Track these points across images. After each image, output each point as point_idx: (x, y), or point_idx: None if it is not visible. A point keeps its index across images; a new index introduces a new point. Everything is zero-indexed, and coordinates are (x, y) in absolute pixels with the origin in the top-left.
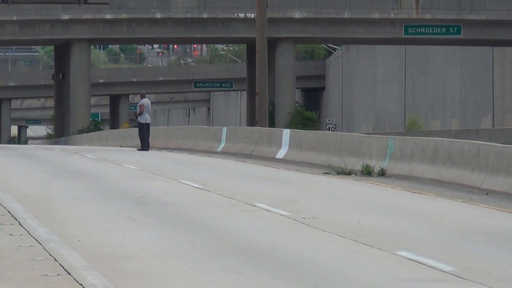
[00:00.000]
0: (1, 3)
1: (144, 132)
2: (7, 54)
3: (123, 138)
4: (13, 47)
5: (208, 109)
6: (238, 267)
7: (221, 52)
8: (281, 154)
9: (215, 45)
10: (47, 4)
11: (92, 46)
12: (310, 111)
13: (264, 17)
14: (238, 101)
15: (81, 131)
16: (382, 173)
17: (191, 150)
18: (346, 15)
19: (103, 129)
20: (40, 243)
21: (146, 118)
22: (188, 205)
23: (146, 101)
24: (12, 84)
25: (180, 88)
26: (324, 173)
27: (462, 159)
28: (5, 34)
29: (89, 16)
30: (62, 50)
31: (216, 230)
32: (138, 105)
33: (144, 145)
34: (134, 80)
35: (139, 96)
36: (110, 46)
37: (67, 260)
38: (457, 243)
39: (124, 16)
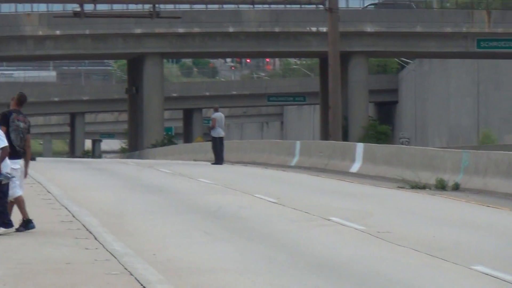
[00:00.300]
0: (74, 17)
1: (217, 146)
2: (81, 68)
3: (196, 152)
4: (86, 61)
5: (282, 123)
6: (314, 281)
7: (294, 66)
8: (355, 168)
9: (288, 59)
10: (120, 18)
11: (165, 60)
12: (383, 125)
13: (336, 31)
14: (311, 115)
15: (154, 145)
16: (456, 187)
17: (264, 164)
18: (418, 29)
19: (176, 143)
20: (115, 257)
21: (218, 132)
22: (263, 219)
23: (219, 115)
24: (85, 98)
25: (253, 102)
26: (398, 187)
27: None
28: (78, 48)
29: (162, 30)
30: (135, 64)
31: (291, 244)
32: (211, 119)
33: (218, 159)
34: (207, 94)
35: (212, 110)
36: (182, 60)
37: (142, 274)
38: None
39: (196, 30)
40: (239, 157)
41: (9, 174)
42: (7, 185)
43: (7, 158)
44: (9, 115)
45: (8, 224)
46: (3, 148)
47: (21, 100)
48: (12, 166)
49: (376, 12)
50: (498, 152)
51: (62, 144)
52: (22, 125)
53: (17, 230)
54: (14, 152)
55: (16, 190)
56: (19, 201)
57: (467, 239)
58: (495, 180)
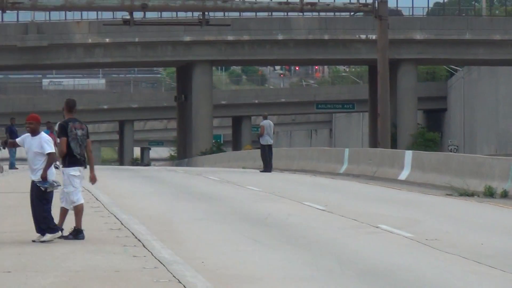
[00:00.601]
0: (124, 25)
1: (266, 154)
2: (130, 76)
3: (245, 160)
4: (135, 69)
5: (330, 130)
6: None
7: (343, 74)
8: (403, 175)
9: (337, 66)
10: (169, 26)
11: (214, 68)
12: (432, 132)
13: (385, 38)
14: (360, 122)
15: (203, 153)
16: (504, 195)
17: (313, 172)
18: (467, 36)
19: (225, 151)
20: (164, 265)
21: (267, 140)
22: (311, 227)
23: (267, 122)
24: (134, 106)
25: (302, 109)
26: (447, 194)
27: None
28: (127, 55)
29: (211, 38)
30: (184, 72)
31: (339, 252)
32: (260, 126)
33: (267, 167)
34: (256, 101)
35: (261, 117)
36: (231, 67)
37: (191, 282)
38: None
39: (245, 37)
40: (287, 165)
41: (55, 182)
42: (52, 193)
43: (53, 166)
44: (66, 125)
45: (54, 229)
46: (49, 154)
47: (70, 106)
48: (72, 173)
49: (425, 20)
50: None
51: (111, 152)
52: (80, 132)
53: (66, 237)
54: (75, 160)
55: (79, 197)
56: (78, 210)
57: None
58: None
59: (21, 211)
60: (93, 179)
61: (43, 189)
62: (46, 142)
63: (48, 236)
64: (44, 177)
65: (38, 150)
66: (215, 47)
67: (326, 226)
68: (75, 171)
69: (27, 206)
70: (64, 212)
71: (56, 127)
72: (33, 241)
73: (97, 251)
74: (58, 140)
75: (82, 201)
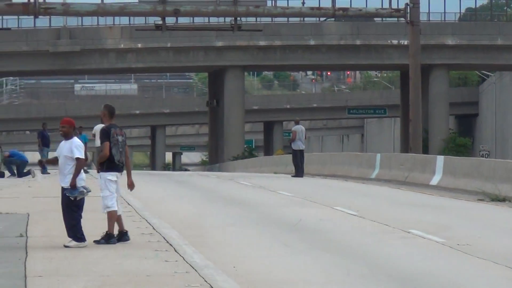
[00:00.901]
0: (156, 30)
1: (297, 159)
2: (161, 81)
3: (277, 165)
4: (167, 74)
5: (362, 135)
6: None
7: (375, 79)
8: (435, 180)
9: (369, 71)
10: (201, 31)
11: (245, 73)
12: (463, 138)
13: (417, 43)
14: (391, 127)
15: (235, 158)
16: None
17: (344, 177)
18: (499, 41)
19: (257, 156)
20: (195, 269)
21: (299, 145)
22: (343, 232)
23: (299, 127)
24: (166, 111)
25: (334, 114)
26: (478, 199)
27: None
28: (159, 61)
29: (243, 43)
30: (216, 77)
31: (370, 257)
32: (291, 131)
33: (298, 172)
34: (288, 106)
35: (293, 122)
36: (263, 72)
37: (222, 286)
38: None
39: (277, 43)
40: (319, 170)
41: (84, 188)
42: (82, 199)
43: (82, 172)
44: (109, 130)
45: (80, 238)
46: (78, 160)
47: (112, 112)
48: (109, 177)
49: (457, 25)
50: None
51: (142, 157)
52: (120, 138)
53: (98, 242)
54: (113, 165)
55: (113, 203)
56: (112, 215)
57: None
58: None
59: (53, 215)
60: (131, 186)
61: (72, 198)
62: (76, 147)
63: (72, 243)
64: (73, 185)
65: (68, 154)
66: (247, 52)
67: (357, 231)
68: (112, 176)
69: (58, 211)
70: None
71: (93, 132)
72: (65, 245)
73: (129, 255)
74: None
75: (115, 207)
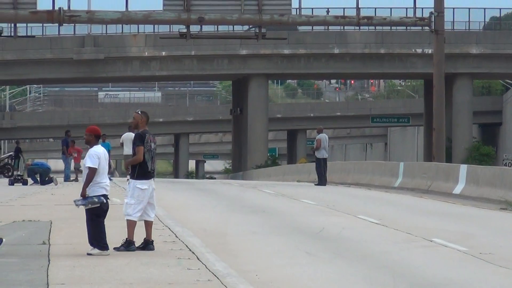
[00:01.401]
0: (180, 38)
1: (321, 167)
2: (185, 89)
3: (300, 173)
4: (191, 82)
5: (385, 144)
6: None
7: (398, 88)
8: (458, 189)
9: (392, 80)
10: (225, 39)
11: (269, 81)
12: (486, 146)
13: (441, 52)
14: (415, 136)
15: (258, 166)
16: None
17: (368, 185)
18: None
19: (280, 164)
20: (218, 278)
21: (322, 154)
22: (365, 240)
23: (323, 136)
24: (190, 119)
25: (357, 123)
26: (501, 208)
27: None
28: (183, 69)
29: (267, 51)
30: (240, 85)
31: (393, 265)
32: (315, 140)
33: (321, 180)
34: (312, 115)
35: (315, 131)
36: (287, 81)
37: None
38: None
39: (301, 51)
40: (342, 178)
41: (97, 197)
42: (101, 207)
43: (103, 180)
44: (144, 136)
45: (103, 247)
46: (89, 169)
47: (148, 118)
48: (138, 185)
49: (481, 34)
50: None
51: (165, 165)
52: (153, 145)
53: (117, 249)
54: (144, 172)
55: (135, 212)
56: (131, 223)
57: None
58: None
59: (76, 223)
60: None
61: (76, 206)
62: (89, 156)
63: (95, 251)
64: (82, 194)
65: (84, 163)
66: (271, 60)
67: (380, 240)
68: (142, 184)
69: (81, 218)
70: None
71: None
72: (88, 253)
73: (151, 263)
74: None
75: (136, 218)
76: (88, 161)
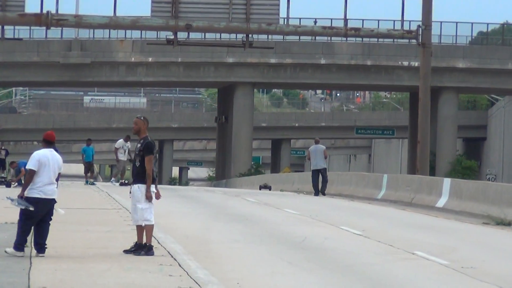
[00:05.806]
0: (167, 45)
1: (313, 178)
2: (171, 95)
3: (283, 182)
4: (177, 88)
5: (369, 155)
6: None
7: (384, 100)
8: (441, 203)
9: (378, 92)
10: (213, 47)
11: (255, 90)
12: (469, 160)
13: (428, 66)
14: (399, 148)
15: (242, 174)
16: None
17: (351, 197)
18: (510, 66)
19: (263, 173)
20: (199, 285)
21: (314, 165)
22: (348, 251)
23: (313, 147)
24: (175, 125)
25: (342, 134)
26: (483, 223)
27: None
28: (170, 75)
29: (254, 60)
30: (226, 93)
31: (375, 277)
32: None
33: (315, 191)
34: (296, 125)
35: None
36: (273, 90)
37: None
38: None
39: (288, 61)
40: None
41: (27, 201)
42: (30, 209)
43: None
44: (153, 147)
45: (18, 248)
46: (29, 170)
47: (148, 123)
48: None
49: (468, 48)
50: None
51: None
52: (154, 151)
53: (138, 253)
54: (153, 178)
55: (151, 216)
56: (149, 228)
57: None
58: None
59: (57, 226)
60: (159, 196)
61: (10, 202)
62: (30, 158)
63: (9, 250)
64: (21, 195)
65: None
66: (257, 69)
67: (362, 251)
68: (152, 188)
69: (62, 222)
70: (141, 229)
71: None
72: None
73: (133, 269)
74: None
75: (153, 222)
76: (28, 163)
